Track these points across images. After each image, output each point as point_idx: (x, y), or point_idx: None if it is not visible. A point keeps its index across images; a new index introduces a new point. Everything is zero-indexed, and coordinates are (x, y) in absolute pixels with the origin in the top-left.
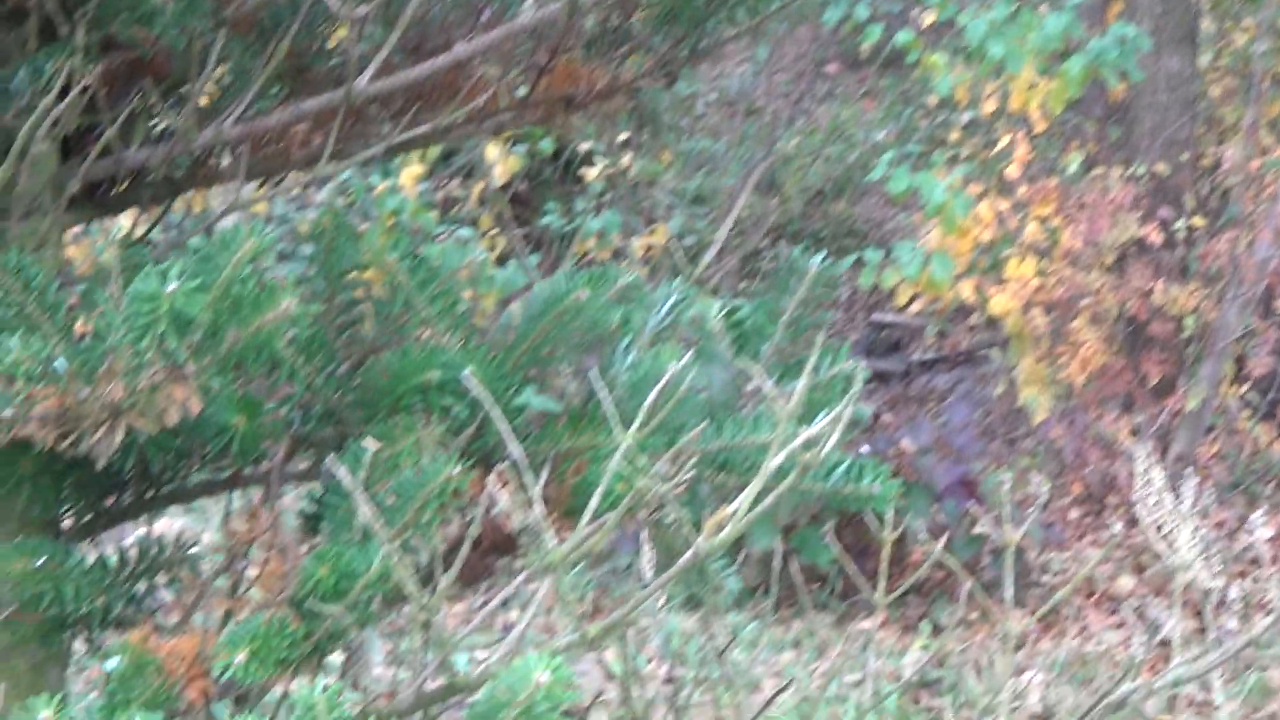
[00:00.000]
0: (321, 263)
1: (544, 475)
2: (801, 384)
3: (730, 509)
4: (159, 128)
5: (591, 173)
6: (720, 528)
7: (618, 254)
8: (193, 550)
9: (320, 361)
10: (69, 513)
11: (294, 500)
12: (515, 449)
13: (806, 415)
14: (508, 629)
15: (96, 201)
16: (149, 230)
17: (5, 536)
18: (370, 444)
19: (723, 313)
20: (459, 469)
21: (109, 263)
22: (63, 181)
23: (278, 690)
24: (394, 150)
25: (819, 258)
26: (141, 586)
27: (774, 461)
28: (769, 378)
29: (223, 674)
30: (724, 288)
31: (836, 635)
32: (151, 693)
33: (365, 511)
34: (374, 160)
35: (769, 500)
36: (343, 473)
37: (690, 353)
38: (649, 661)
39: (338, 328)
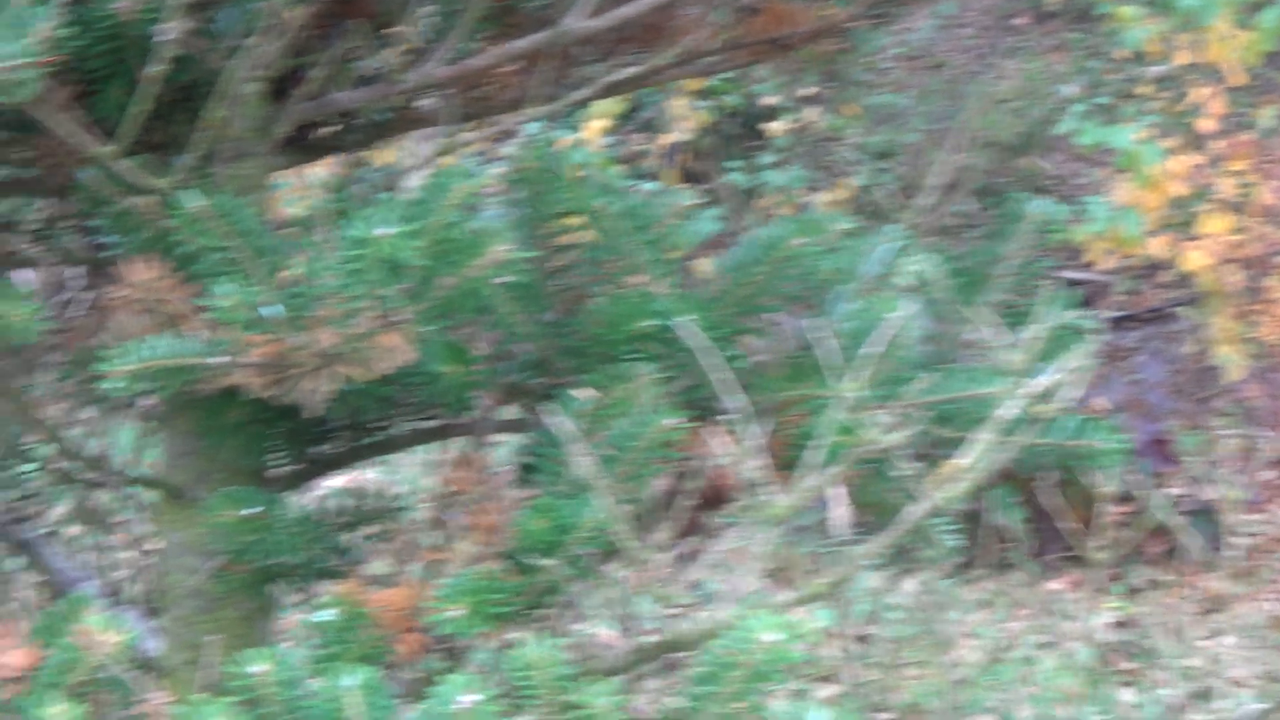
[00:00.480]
0: (528, 208)
1: (760, 428)
2: (1031, 333)
3: (961, 462)
4: (367, 70)
5: (775, 127)
6: (951, 480)
7: (802, 210)
8: (400, 502)
9: (530, 308)
10: (276, 463)
11: (502, 451)
12: (734, 399)
13: (1033, 367)
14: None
15: (302, 146)
16: (353, 176)
17: (214, 486)
18: (584, 394)
19: (938, 261)
20: (676, 420)
21: (316, 208)
22: (270, 125)
23: (489, 644)
24: (603, 93)
25: (1039, 202)
26: (349, 538)
27: (1005, 413)
28: (991, 327)
29: (436, 628)
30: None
31: (1029, 596)
32: (364, 646)
33: (584, 462)
34: (566, 109)
35: (999, 454)
36: (562, 422)
37: (909, 302)
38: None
39: (547, 274)
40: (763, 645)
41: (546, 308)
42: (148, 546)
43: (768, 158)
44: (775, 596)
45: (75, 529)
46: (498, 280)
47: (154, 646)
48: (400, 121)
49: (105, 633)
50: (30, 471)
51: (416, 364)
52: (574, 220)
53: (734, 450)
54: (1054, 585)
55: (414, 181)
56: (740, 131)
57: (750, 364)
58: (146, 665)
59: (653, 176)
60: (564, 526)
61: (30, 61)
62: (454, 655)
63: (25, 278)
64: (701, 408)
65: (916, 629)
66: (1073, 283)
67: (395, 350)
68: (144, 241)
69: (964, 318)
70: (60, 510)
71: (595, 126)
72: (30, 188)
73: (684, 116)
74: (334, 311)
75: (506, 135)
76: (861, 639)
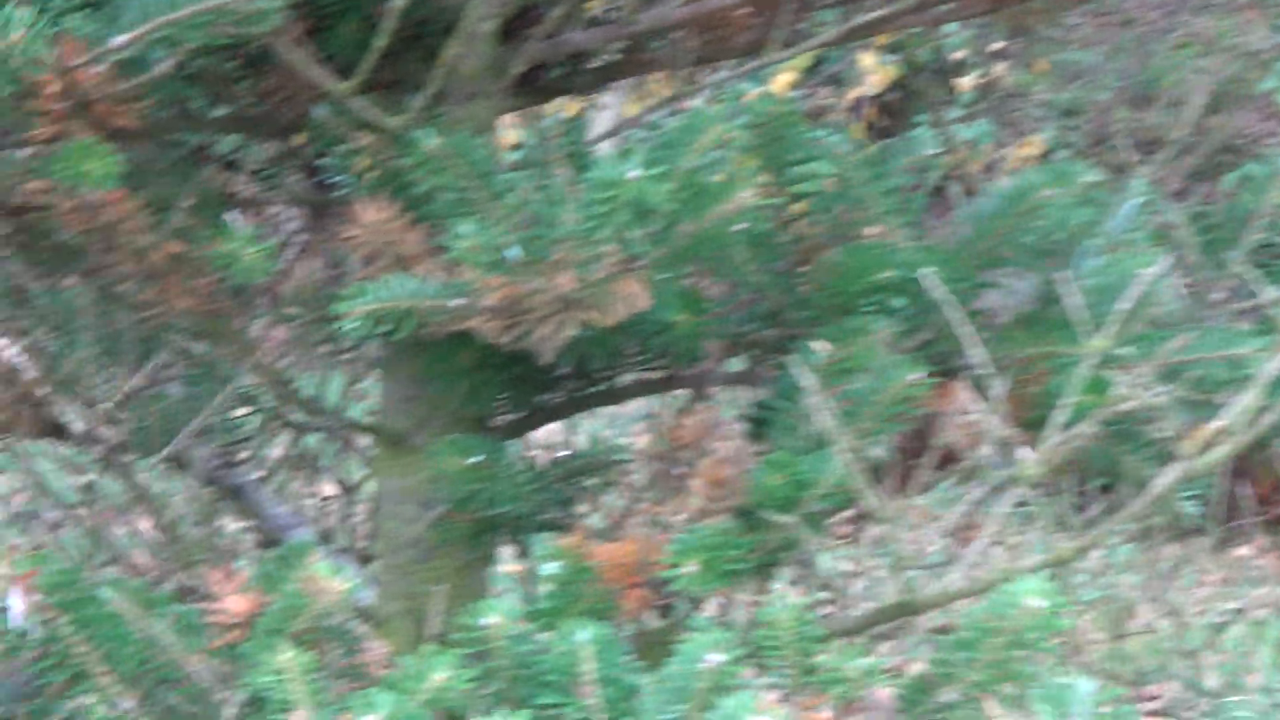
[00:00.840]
0: (766, 154)
1: (1001, 384)
2: None
3: (1219, 423)
4: (600, 10)
5: (963, 82)
6: (1208, 443)
7: (989, 167)
8: (625, 453)
9: (765, 258)
10: (501, 410)
11: (726, 404)
12: (977, 354)
13: None
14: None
15: (533, 87)
16: (579, 116)
17: (434, 433)
18: (820, 346)
19: (1186, 215)
20: (918, 375)
21: (551, 149)
22: (503, 64)
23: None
24: (842, 37)
25: None
26: (571, 489)
27: (1267, 373)
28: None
29: (665, 584)
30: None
31: (1216, 562)
32: (588, 601)
33: (824, 416)
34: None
35: (1263, 418)
36: (803, 375)
37: (1160, 258)
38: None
39: (783, 222)
40: (1027, 611)
41: (781, 257)
42: (361, 494)
43: (954, 113)
44: (1014, 561)
45: (288, 475)
46: (737, 227)
47: (366, 596)
48: (631, 64)
49: (329, 580)
50: (244, 415)
51: (649, 312)
52: (812, 168)
53: (976, 408)
54: (1242, 551)
55: (665, 121)
56: (927, 86)
57: (992, 319)
58: (359, 614)
59: (840, 129)
60: (802, 482)
61: None
62: (678, 613)
63: (236, 219)
64: (941, 363)
65: (1100, 593)
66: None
67: (633, 297)
68: (375, 182)
69: (1215, 275)
70: (273, 455)
71: (782, 80)
72: (256, 126)
73: (872, 70)
74: (574, 255)
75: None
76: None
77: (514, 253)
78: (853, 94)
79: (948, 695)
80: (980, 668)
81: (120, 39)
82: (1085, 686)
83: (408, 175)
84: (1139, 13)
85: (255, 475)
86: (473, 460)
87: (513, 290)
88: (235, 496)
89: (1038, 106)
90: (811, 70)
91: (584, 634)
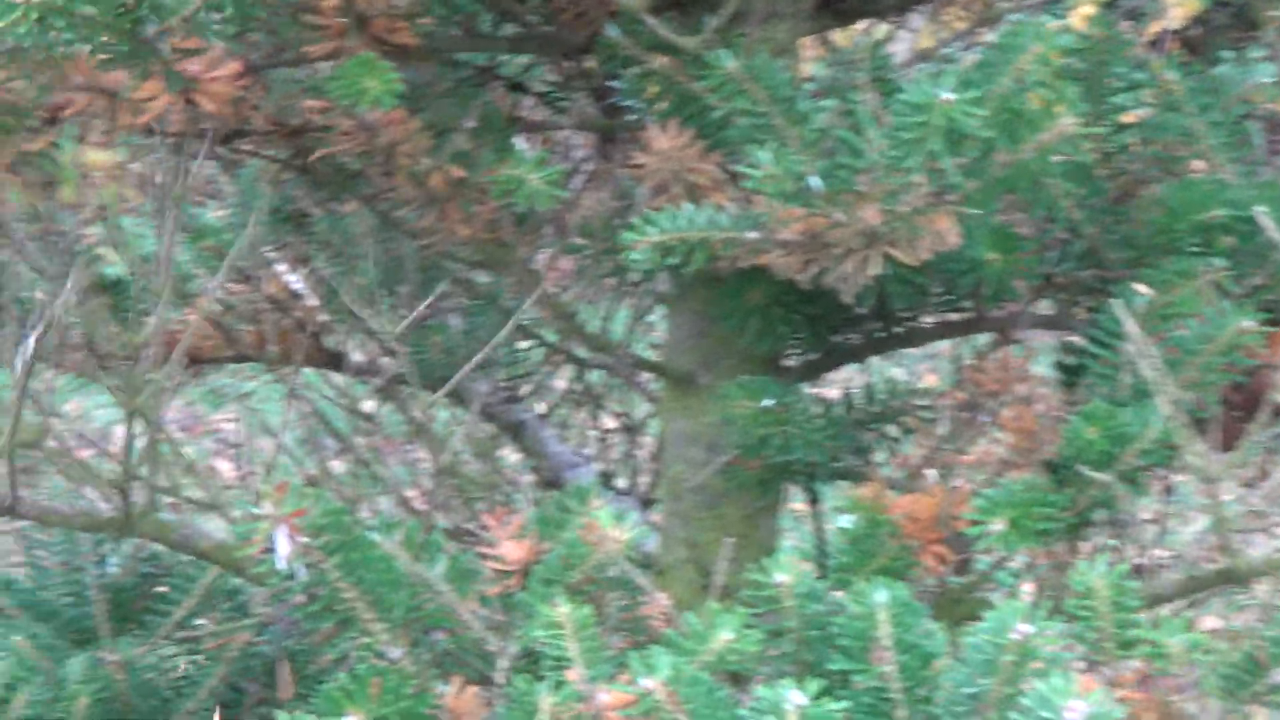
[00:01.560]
0: (1089, 79)
1: None
2: None
3: None
4: None
5: (1270, 16)
6: None
7: None
8: (925, 399)
9: (1084, 192)
10: (795, 350)
11: (1034, 348)
12: None
13: None
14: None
15: (834, 8)
16: (884, 41)
17: (724, 373)
18: (1142, 289)
19: None
20: (1249, 322)
21: (856, 73)
22: None
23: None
24: None
25: None
26: (869, 436)
27: None
28: None
29: (967, 541)
30: None
31: None
32: (886, 557)
33: (1148, 365)
34: None
35: None
36: (1126, 319)
37: None
38: None
39: (1105, 155)
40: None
41: (1101, 192)
42: (645, 433)
43: (1259, 51)
44: None
45: (571, 412)
46: (1056, 159)
47: (648, 542)
48: None
49: (612, 528)
50: (527, 349)
51: (958, 249)
52: (1138, 95)
53: None
54: None
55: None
56: (1230, 22)
57: None
58: (640, 563)
59: (1138, 66)
60: (1122, 436)
61: None
62: (979, 572)
63: (523, 144)
64: (1274, 311)
65: None
66: None
67: (943, 232)
68: (668, 106)
69: None
70: (556, 392)
71: (1081, 12)
72: (545, 46)
73: (1176, 2)
74: (881, 186)
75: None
76: None
77: (815, 182)
78: (1154, 27)
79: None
80: None
81: None
82: None
83: (703, 99)
84: None
85: (537, 411)
86: (765, 403)
87: (813, 223)
88: (516, 433)
89: None
90: (1110, 4)
91: (881, 595)
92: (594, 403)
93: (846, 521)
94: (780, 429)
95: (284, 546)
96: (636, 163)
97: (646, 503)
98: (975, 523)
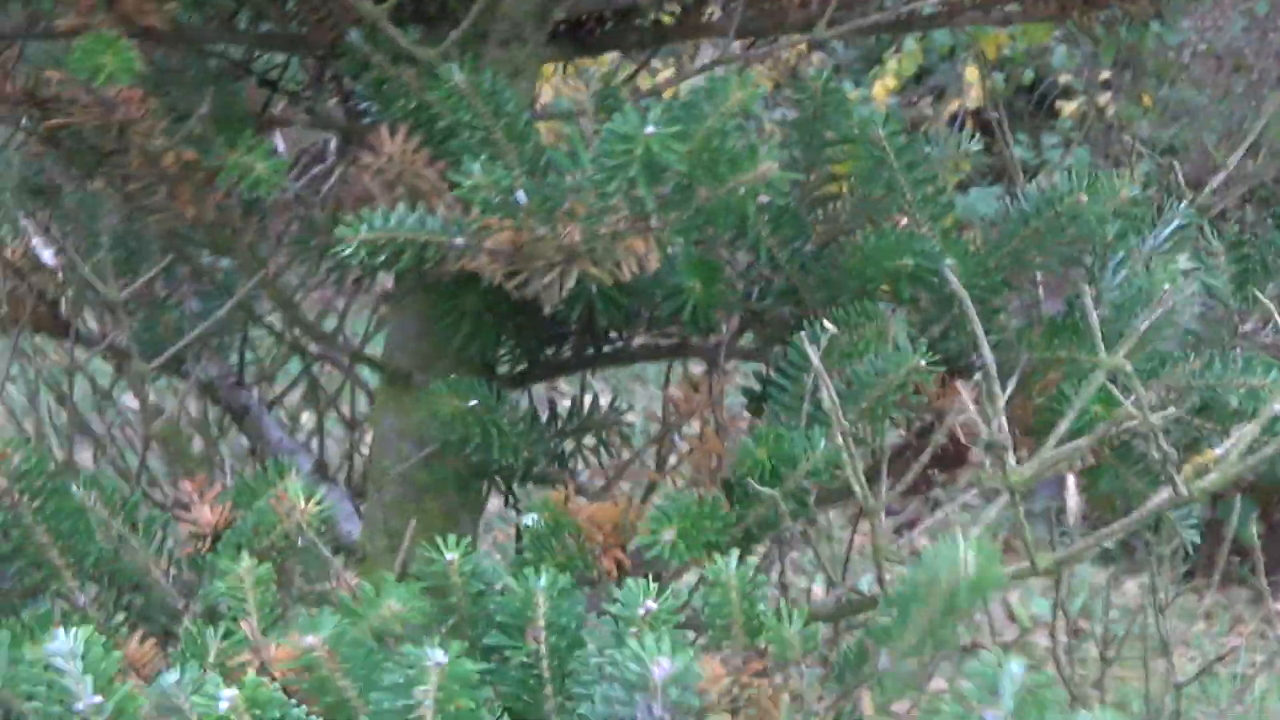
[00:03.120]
0: (804, 129)
1: (1011, 386)
2: None
3: (1216, 452)
4: None
5: (1067, 108)
6: (1203, 472)
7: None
8: (626, 415)
9: (788, 234)
10: (506, 359)
11: (737, 378)
12: (987, 353)
13: None
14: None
15: (578, 39)
16: (631, 76)
17: (439, 374)
18: (830, 326)
19: (1221, 243)
20: (924, 361)
21: (585, 100)
22: (547, 11)
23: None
24: (899, 26)
25: None
26: (569, 445)
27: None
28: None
29: (644, 549)
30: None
31: (1251, 612)
32: (566, 556)
33: (825, 393)
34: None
35: (1262, 454)
36: (808, 349)
37: (1190, 280)
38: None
39: (811, 202)
40: (962, 566)
41: (805, 235)
42: (363, 429)
43: (1053, 138)
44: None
45: (296, 402)
46: (760, 199)
47: (353, 530)
48: (684, 27)
49: (303, 501)
50: (257, 337)
51: (663, 276)
52: (848, 149)
53: (980, 408)
54: None
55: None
56: (1029, 108)
57: (1011, 321)
58: (344, 548)
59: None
60: (788, 457)
61: None
62: (655, 580)
63: (273, 140)
64: (952, 359)
65: (1130, 629)
66: None
67: (641, 256)
68: (401, 112)
69: (1242, 304)
70: (283, 383)
71: (883, 85)
72: (294, 45)
73: (975, 84)
74: (583, 206)
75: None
76: (1075, 632)
77: (522, 197)
78: (952, 105)
79: (883, 661)
80: (912, 631)
81: None
82: (1016, 667)
83: (433, 109)
84: (1254, 59)
85: (262, 398)
86: (470, 403)
87: (518, 235)
88: (240, 417)
89: (1138, 141)
90: (916, 79)
91: (540, 580)
92: (317, 396)
93: (530, 519)
94: (482, 430)
95: None
96: (366, 163)
97: (357, 494)
98: (649, 532)
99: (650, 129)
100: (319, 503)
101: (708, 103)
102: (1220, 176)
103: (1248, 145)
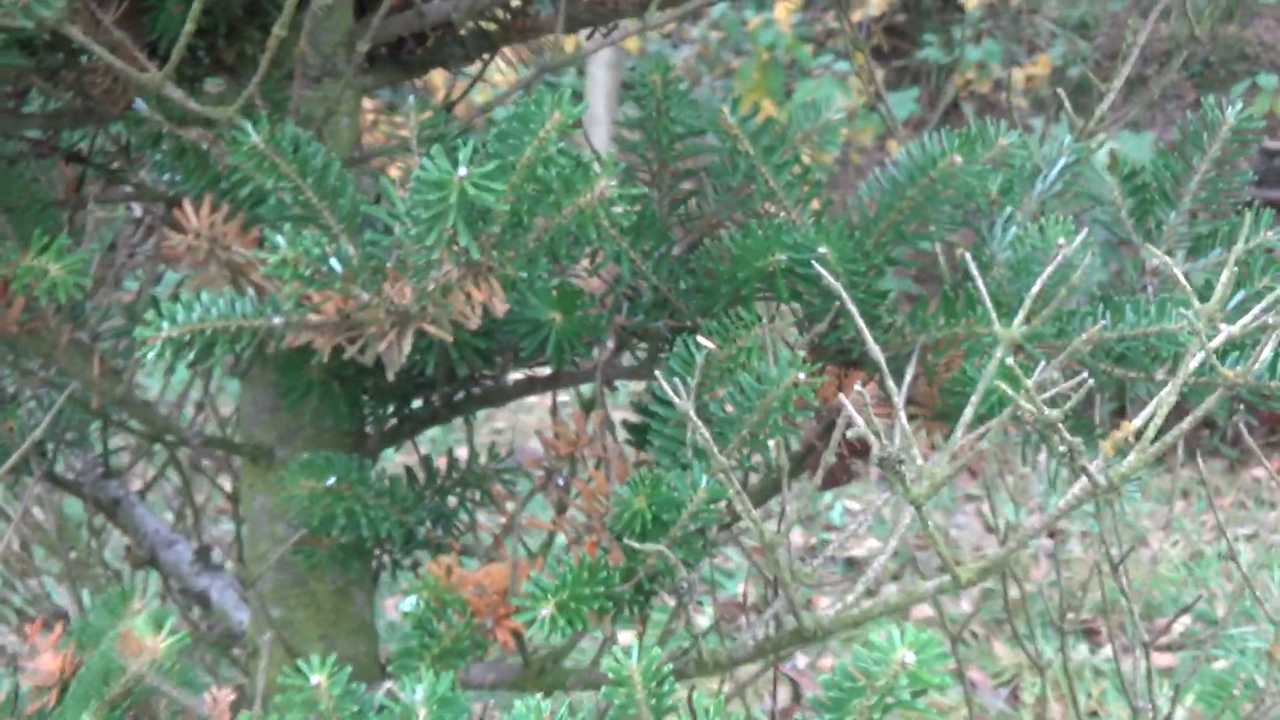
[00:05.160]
0: (651, 127)
1: (910, 373)
2: (1225, 275)
3: (1134, 424)
4: None
5: (971, 1)
6: (1122, 449)
7: (998, 85)
8: (507, 462)
9: (649, 243)
10: (368, 419)
11: (619, 403)
12: (873, 348)
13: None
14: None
15: (399, 61)
16: (465, 93)
17: (300, 446)
18: (704, 342)
19: (1120, 172)
20: (806, 374)
21: (407, 135)
22: (353, 39)
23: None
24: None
25: (1236, 108)
26: (451, 502)
27: (1190, 365)
28: (1175, 250)
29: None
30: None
31: (1228, 484)
32: (453, 638)
33: (695, 430)
34: (700, 9)
35: (1183, 425)
36: (668, 384)
37: (1083, 229)
38: (1031, 513)
39: (670, 202)
40: (898, 667)
41: (668, 240)
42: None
43: (962, 32)
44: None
45: (168, 490)
46: (605, 217)
47: (242, 620)
48: (511, 32)
49: (149, 637)
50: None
51: (517, 312)
52: (699, 140)
53: (877, 401)
54: (1257, 473)
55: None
56: (936, 5)
57: (899, 300)
58: (234, 640)
59: (844, 55)
60: (669, 502)
61: None
62: (552, 652)
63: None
64: (842, 352)
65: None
66: (1276, 154)
67: (484, 302)
68: (205, 180)
69: (1147, 240)
70: (147, 469)
71: (786, 5)
72: (81, 119)
73: None
74: (407, 263)
75: (695, 17)
76: (1052, 534)
77: (335, 264)
78: (856, 16)
79: None
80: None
81: None
82: None
83: (237, 173)
84: None
85: (132, 489)
86: (328, 481)
87: (341, 304)
88: (111, 510)
89: (1049, 22)
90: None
91: (418, 691)
92: (186, 481)
93: (409, 605)
94: (346, 506)
95: None
96: (174, 240)
97: (243, 577)
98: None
99: (462, 171)
100: (171, 633)
101: (524, 130)
102: (1135, 53)
103: (1160, 10)
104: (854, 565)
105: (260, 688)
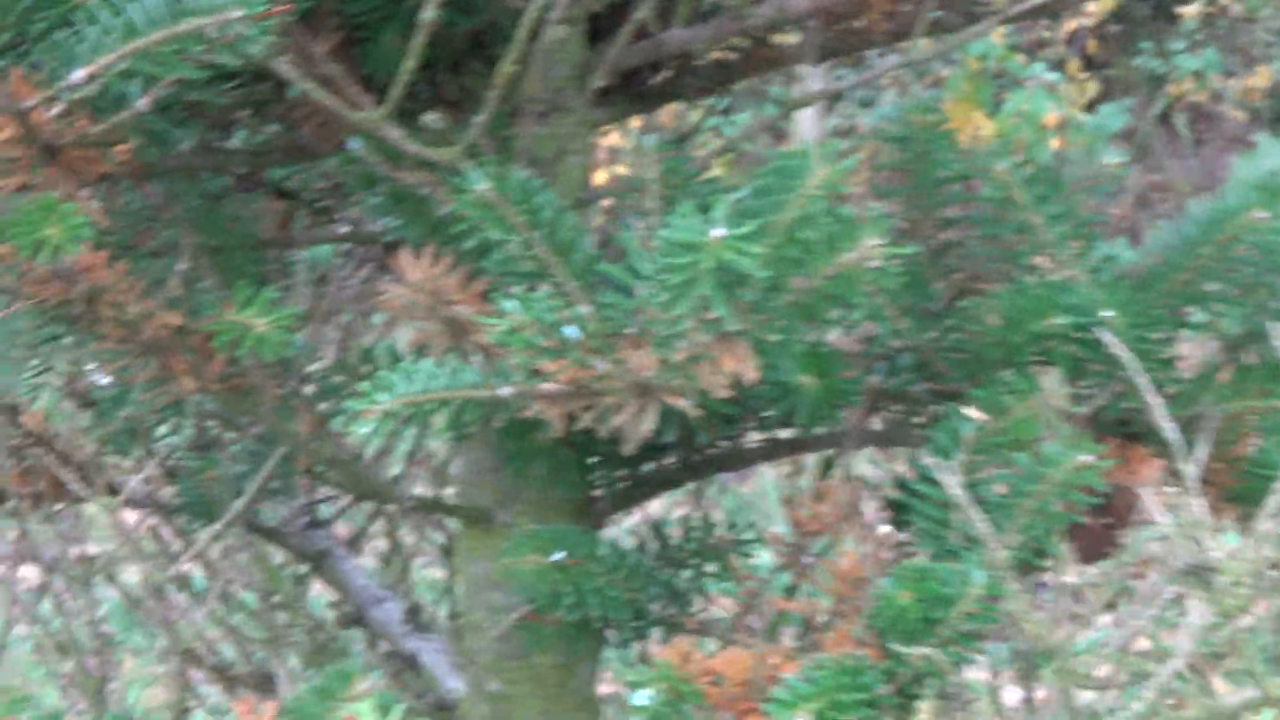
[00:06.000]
0: (912, 174)
1: (1201, 451)
2: None
3: None
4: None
5: (1188, 10)
6: None
7: (1216, 96)
8: (749, 535)
9: (910, 301)
10: (600, 482)
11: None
12: (1167, 428)
13: None
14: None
15: (633, 94)
16: (694, 130)
17: (528, 510)
18: (972, 414)
19: None
20: (1093, 456)
21: (645, 175)
22: (586, 73)
23: None
24: (1006, 20)
25: None
26: (685, 577)
27: None
28: None
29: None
30: None
31: None
32: None
33: (971, 519)
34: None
35: None
36: (938, 464)
37: None
38: None
39: (932, 255)
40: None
41: (930, 297)
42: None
43: (1179, 42)
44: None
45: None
46: (867, 277)
47: (455, 688)
48: (752, 61)
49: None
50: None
51: (767, 376)
52: (966, 188)
53: (1165, 481)
54: None
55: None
56: (1150, 14)
57: (1190, 370)
58: (446, 709)
59: (1056, 65)
60: (939, 598)
61: (257, 11)
62: None
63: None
64: (1121, 423)
65: None
66: None
67: (735, 371)
68: (424, 228)
69: None
70: (354, 523)
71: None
72: (291, 156)
73: None
74: (652, 331)
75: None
76: None
77: (572, 331)
78: (1070, 26)
79: None
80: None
81: (76, 75)
82: None
83: (461, 221)
84: None
85: (339, 542)
86: (554, 557)
87: (575, 375)
88: (317, 563)
89: (1268, 33)
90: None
91: None
92: (396, 540)
93: (643, 699)
94: (572, 584)
95: None
96: (391, 293)
97: (456, 640)
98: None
99: (716, 232)
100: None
101: (784, 187)
102: None
103: None
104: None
105: None
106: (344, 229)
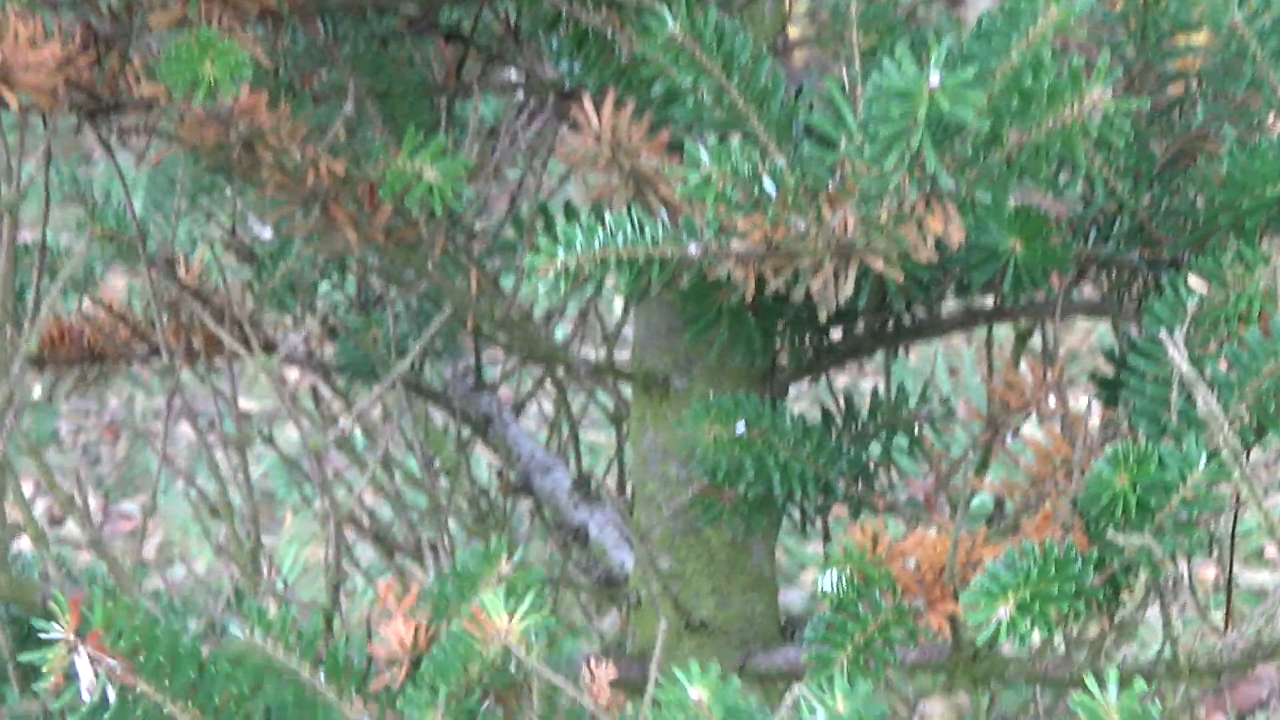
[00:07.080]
0: (1134, 21)
1: None
2: None
3: None
4: None
5: None
6: None
7: None
8: (942, 405)
9: (1127, 160)
10: (781, 350)
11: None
12: None
13: None
14: None
15: None
16: None
17: (706, 376)
18: (1196, 284)
19: None
20: None
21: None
22: None
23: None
24: None
25: None
26: (869, 453)
27: None
28: None
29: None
30: None
31: None
32: (880, 624)
33: (1199, 395)
34: None
35: None
36: (1167, 339)
37: None
38: None
39: (1154, 113)
40: None
41: (1150, 158)
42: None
43: None
44: None
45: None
46: (1092, 132)
47: (625, 560)
48: None
49: (500, 617)
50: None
51: (971, 239)
52: (1196, 38)
53: None
54: None
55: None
56: None
57: None
58: (614, 583)
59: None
60: (1157, 484)
61: None
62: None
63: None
64: None
65: None
66: None
67: (940, 234)
68: (609, 74)
69: None
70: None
71: None
72: None
73: None
74: (855, 186)
75: None
76: None
77: (770, 185)
78: None
79: None
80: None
81: None
82: None
83: (647, 69)
84: None
85: (505, 404)
86: (736, 428)
87: (771, 232)
88: (483, 428)
89: None
90: None
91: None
92: (566, 404)
93: (829, 583)
94: (754, 456)
95: (86, 672)
96: (571, 144)
97: (626, 512)
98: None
99: (935, 79)
100: (534, 610)
101: (1010, 29)
102: None
103: None
104: None
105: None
106: (519, 76)
